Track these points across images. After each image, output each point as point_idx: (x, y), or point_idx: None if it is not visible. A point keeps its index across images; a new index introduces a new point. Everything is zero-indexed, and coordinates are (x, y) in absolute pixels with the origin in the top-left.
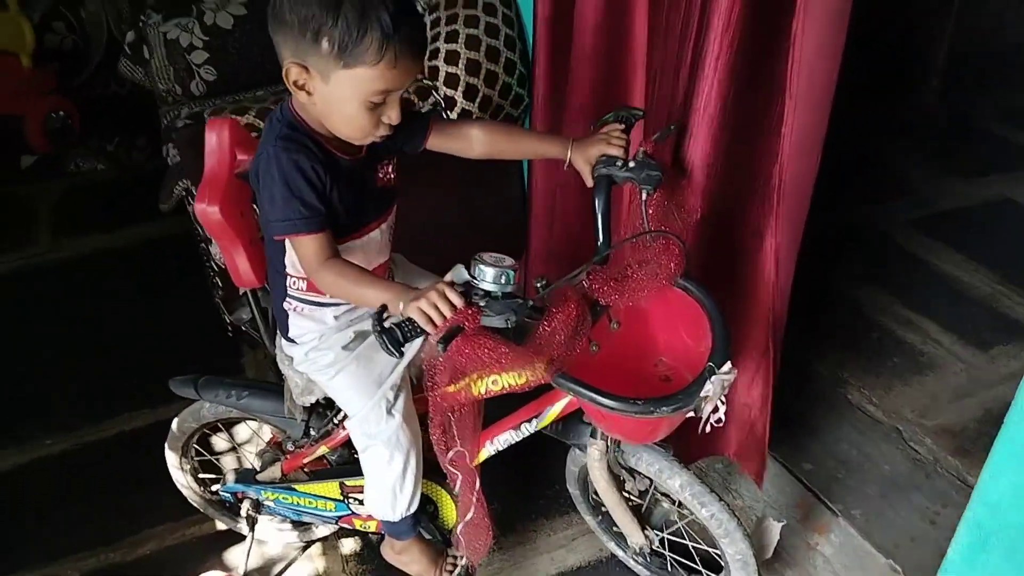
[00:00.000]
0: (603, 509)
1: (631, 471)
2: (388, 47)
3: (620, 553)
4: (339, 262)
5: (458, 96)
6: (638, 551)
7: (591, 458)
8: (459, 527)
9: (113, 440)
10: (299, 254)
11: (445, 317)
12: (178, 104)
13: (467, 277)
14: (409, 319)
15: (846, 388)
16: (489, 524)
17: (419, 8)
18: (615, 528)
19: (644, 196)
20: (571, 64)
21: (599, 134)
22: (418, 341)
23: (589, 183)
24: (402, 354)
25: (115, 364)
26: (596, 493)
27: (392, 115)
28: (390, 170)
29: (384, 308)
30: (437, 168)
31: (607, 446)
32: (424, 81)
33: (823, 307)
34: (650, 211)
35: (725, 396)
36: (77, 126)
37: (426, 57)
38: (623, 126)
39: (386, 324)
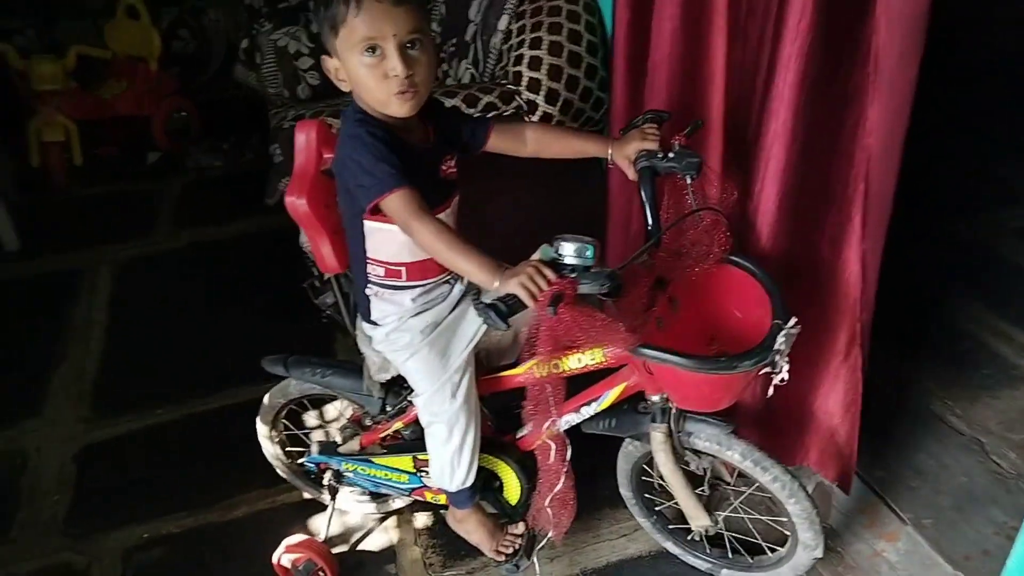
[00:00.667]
0: (656, 508)
1: (695, 451)
2: None
3: (677, 550)
4: (438, 223)
5: (540, 100)
6: (702, 535)
7: (655, 441)
8: (546, 500)
9: (216, 412)
10: (393, 212)
11: (542, 290)
12: (286, 107)
13: (553, 255)
14: (509, 294)
15: (930, 398)
16: (574, 497)
17: (505, 18)
18: (670, 526)
19: (689, 181)
20: (648, 69)
21: (634, 132)
22: (481, 330)
23: (632, 177)
24: (509, 326)
25: (221, 343)
26: (661, 478)
27: (393, 64)
28: (452, 164)
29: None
30: (521, 174)
31: (670, 428)
32: (508, 86)
33: (914, 315)
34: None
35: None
36: (197, 126)
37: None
38: (655, 124)
39: (487, 300)
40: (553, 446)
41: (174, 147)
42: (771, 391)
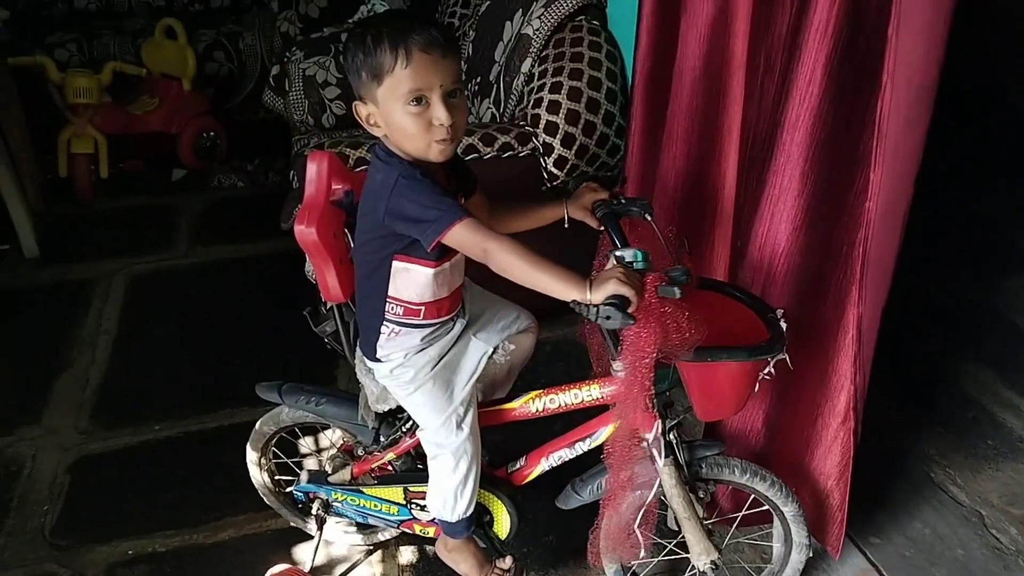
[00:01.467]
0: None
1: (703, 480)
2: (399, 49)
3: None
4: (515, 242)
5: (556, 143)
6: (707, 568)
7: (666, 478)
8: (636, 523)
9: (212, 432)
10: (464, 239)
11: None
12: (310, 134)
13: (626, 262)
14: (611, 297)
15: (930, 465)
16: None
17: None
18: None
19: (650, 218)
20: (667, 118)
21: (582, 187)
22: (482, 363)
23: (594, 225)
24: (634, 319)
25: (225, 363)
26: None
27: (438, 114)
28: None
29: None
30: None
31: (677, 460)
32: (526, 128)
33: (921, 380)
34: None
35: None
36: (224, 146)
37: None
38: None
39: (592, 305)
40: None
41: (200, 166)
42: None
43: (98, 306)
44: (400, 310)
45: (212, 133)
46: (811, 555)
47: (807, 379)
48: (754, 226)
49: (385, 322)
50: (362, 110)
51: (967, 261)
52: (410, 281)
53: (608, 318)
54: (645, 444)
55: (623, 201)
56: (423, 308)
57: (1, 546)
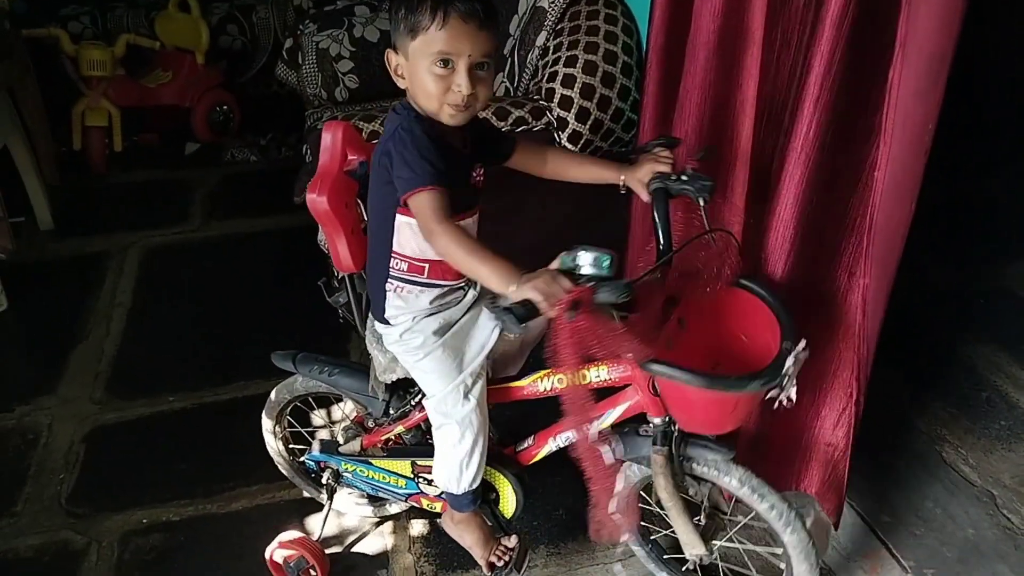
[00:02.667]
0: (652, 537)
1: (695, 477)
2: (439, 11)
3: None
4: (458, 228)
5: (570, 118)
6: (696, 566)
7: (655, 464)
8: (611, 507)
9: (226, 404)
10: (418, 209)
11: (559, 297)
12: (322, 108)
13: (570, 264)
14: (526, 300)
15: (942, 445)
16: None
17: (544, 35)
18: (665, 556)
19: (702, 203)
20: (680, 94)
21: (646, 156)
22: (494, 335)
23: (646, 199)
24: (525, 330)
25: (239, 336)
26: (658, 504)
27: (460, 81)
28: (481, 173)
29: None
30: (549, 191)
31: (671, 452)
32: (540, 102)
33: (936, 361)
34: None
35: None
36: (237, 120)
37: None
38: (667, 149)
39: (504, 305)
40: (604, 448)
41: (213, 139)
42: (776, 405)
43: (113, 279)
44: (404, 265)
45: (225, 107)
46: None
47: (815, 348)
48: (767, 201)
49: (390, 278)
50: (392, 59)
51: (980, 241)
52: (412, 236)
53: (503, 322)
54: (651, 427)
55: (684, 178)
56: (427, 266)
57: (18, 512)
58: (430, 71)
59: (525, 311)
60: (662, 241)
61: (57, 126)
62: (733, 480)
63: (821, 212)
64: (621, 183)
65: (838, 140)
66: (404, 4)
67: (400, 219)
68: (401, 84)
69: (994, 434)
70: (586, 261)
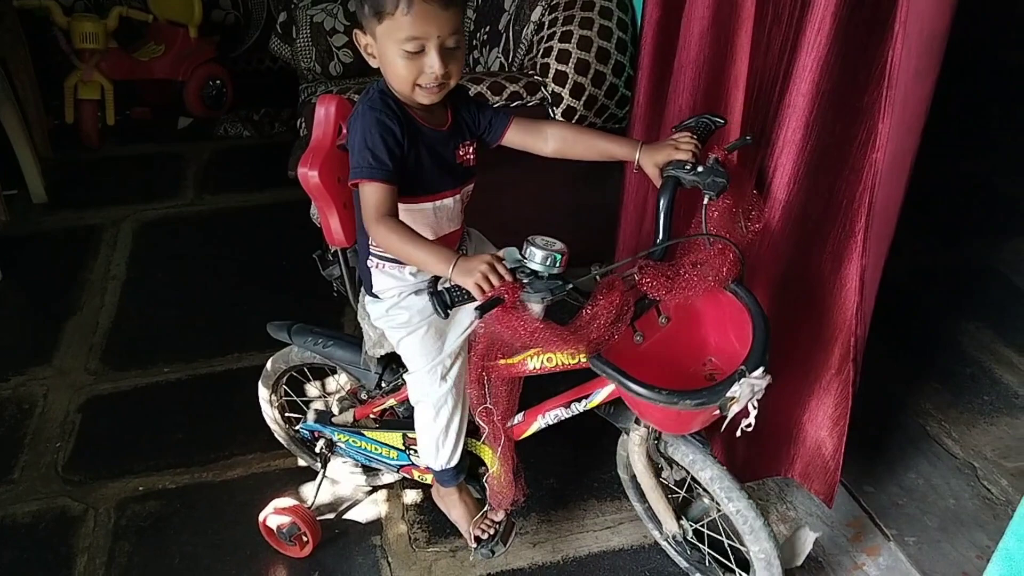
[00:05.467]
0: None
1: (669, 460)
2: None
3: (662, 542)
4: (395, 220)
5: (565, 93)
6: (671, 537)
7: (631, 442)
8: (487, 475)
9: (221, 375)
10: (362, 203)
11: (491, 287)
12: (317, 82)
13: (518, 257)
14: (458, 285)
15: (926, 419)
16: (512, 482)
17: (539, 10)
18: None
19: (707, 200)
20: (674, 70)
21: (668, 139)
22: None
23: (657, 183)
24: (447, 315)
25: (233, 308)
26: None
27: (431, 63)
28: (470, 151)
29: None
30: (539, 167)
31: (647, 433)
32: (535, 77)
33: (921, 337)
34: (714, 214)
35: (757, 403)
36: (230, 95)
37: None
38: (694, 134)
39: (439, 287)
40: (487, 430)
41: (206, 114)
42: (739, 432)
43: (106, 252)
44: None
45: (218, 81)
46: None
47: (801, 330)
48: (757, 178)
49: (370, 255)
50: (361, 39)
51: (968, 221)
52: None
53: (433, 304)
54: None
55: (699, 170)
56: None
57: (16, 480)
58: (399, 54)
59: (451, 296)
60: (660, 233)
61: (50, 100)
62: (706, 475)
63: (813, 193)
64: (636, 163)
65: (827, 118)
66: None
67: None
68: (373, 63)
69: (977, 408)
70: (536, 258)
